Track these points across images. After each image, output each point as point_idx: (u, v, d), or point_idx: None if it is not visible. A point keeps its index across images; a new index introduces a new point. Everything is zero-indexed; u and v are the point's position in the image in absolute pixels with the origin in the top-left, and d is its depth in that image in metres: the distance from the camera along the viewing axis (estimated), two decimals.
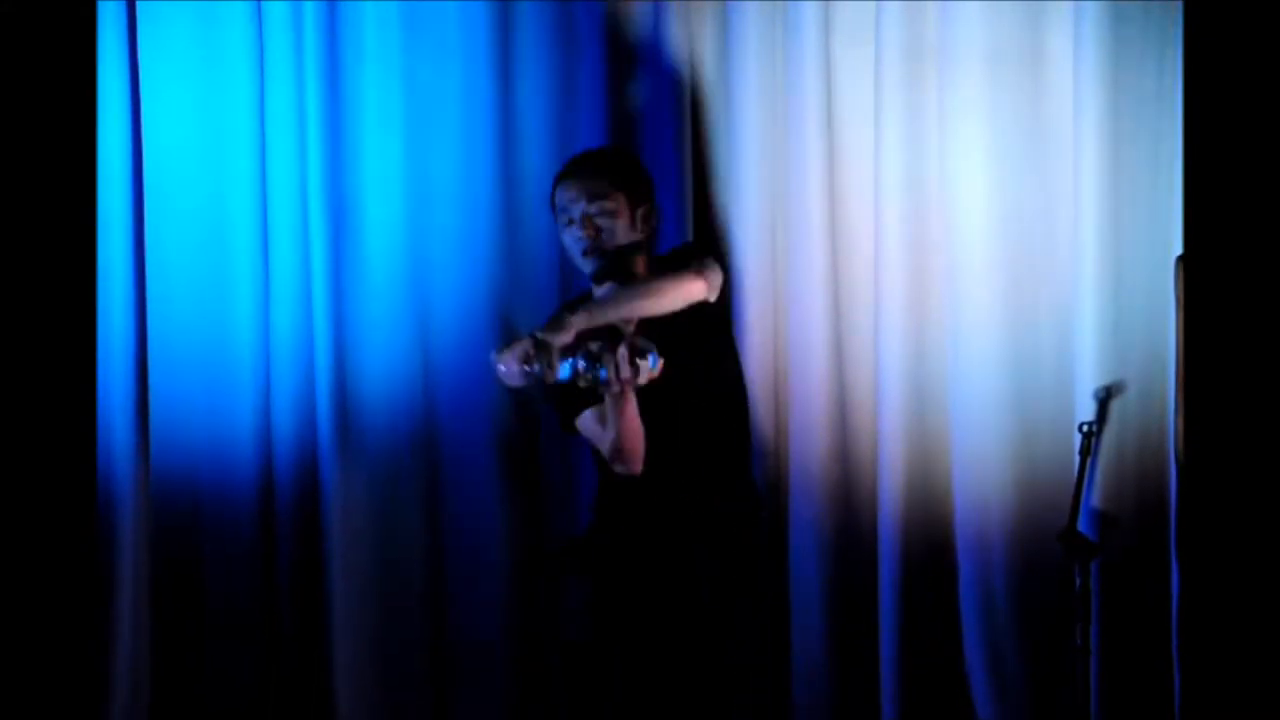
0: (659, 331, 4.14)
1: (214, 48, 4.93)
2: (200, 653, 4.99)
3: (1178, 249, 4.46)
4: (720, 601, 4.28)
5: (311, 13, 4.87)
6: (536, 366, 3.99)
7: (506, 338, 4.87)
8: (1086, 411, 4.52)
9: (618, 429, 4.17)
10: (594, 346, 4.03)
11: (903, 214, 4.69)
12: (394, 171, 4.93)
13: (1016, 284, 4.64)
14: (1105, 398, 4.52)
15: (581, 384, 4.03)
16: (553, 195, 4.35)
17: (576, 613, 4.36)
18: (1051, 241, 4.63)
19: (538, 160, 4.93)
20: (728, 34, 4.85)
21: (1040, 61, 4.65)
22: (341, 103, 4.92)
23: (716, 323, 4.36)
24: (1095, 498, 4.52)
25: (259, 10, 4.91)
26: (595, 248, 4.27)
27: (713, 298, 4.29)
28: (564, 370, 4.01)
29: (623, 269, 4.30)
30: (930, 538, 4.70)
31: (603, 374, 4.01)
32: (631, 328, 4.13)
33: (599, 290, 4.32)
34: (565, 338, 4.03)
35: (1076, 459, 4.46)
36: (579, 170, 4.33)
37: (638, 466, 4.22)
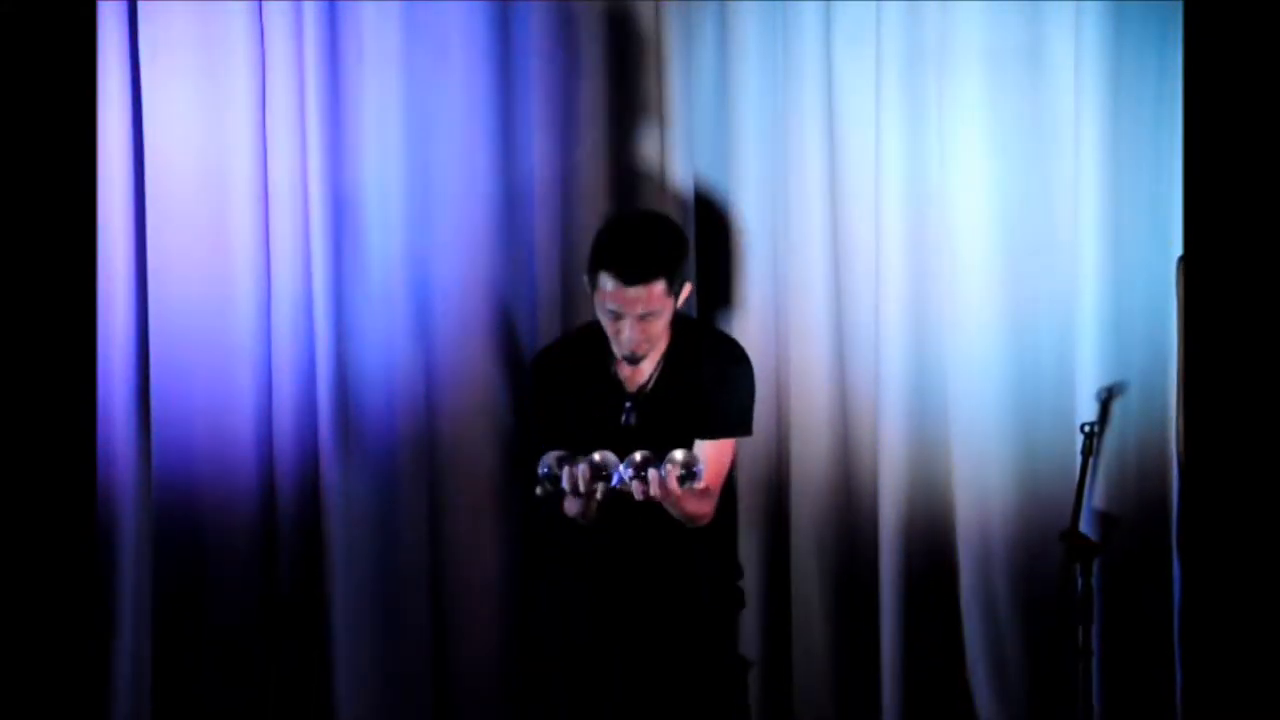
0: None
1: (214, 48, 4.93)
2: (200, 653, 4.99)
3: (1178, 249, 4.46)
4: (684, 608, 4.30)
5: (312, 13, 4.87)
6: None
7: (507, 337, 4.88)
8: (1088, 412, 4.52)
9: (585, 512, 4.21)
10: (639, 458, 4.08)
11: (903, 213, 4.69)
12: (394, 171, 4.92)
13: (1017, 283, 4.64)
14: (1106, 398, 4.52)
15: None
16: (596, 271, 4.22)
17: (573, 614, 4.36)
18: (1052, 241, 4.63)
19: (538, 160, 4.93)
20: (728, 34, 4.85)
21: (1041, 61, 4.65)
22: (342, 102, 4.92)
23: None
24: (1097, 498, 4.52)
25: (259, 10, 4.91)
26: (635, 355, 4.24)
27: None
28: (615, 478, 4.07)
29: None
30: (931, 538, 4.70)
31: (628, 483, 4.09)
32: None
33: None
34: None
35: (1078, 459, 4.46)
36: (634, 274, 4.14)
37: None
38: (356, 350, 4.93)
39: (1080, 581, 4.38)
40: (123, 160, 4.84)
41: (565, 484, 4.06)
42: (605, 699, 4.33)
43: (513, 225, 4.95)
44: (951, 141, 4.66)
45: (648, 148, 4.93)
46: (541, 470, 4.10)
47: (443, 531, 4.99)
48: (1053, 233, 4.63)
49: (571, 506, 4.21)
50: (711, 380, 4.23)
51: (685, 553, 4.27)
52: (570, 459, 4.07)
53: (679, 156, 4.87)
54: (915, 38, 4.68)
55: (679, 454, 4.06)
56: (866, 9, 4.73)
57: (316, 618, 4.91)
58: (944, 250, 4.69)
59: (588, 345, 4.30)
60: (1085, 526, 4.43)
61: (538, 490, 4.11)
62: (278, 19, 4.87)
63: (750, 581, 4.81)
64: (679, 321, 4.28)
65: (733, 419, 4.27)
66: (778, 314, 4.86)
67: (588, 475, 4.03)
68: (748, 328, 4.83)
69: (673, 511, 4.14)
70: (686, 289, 4.24)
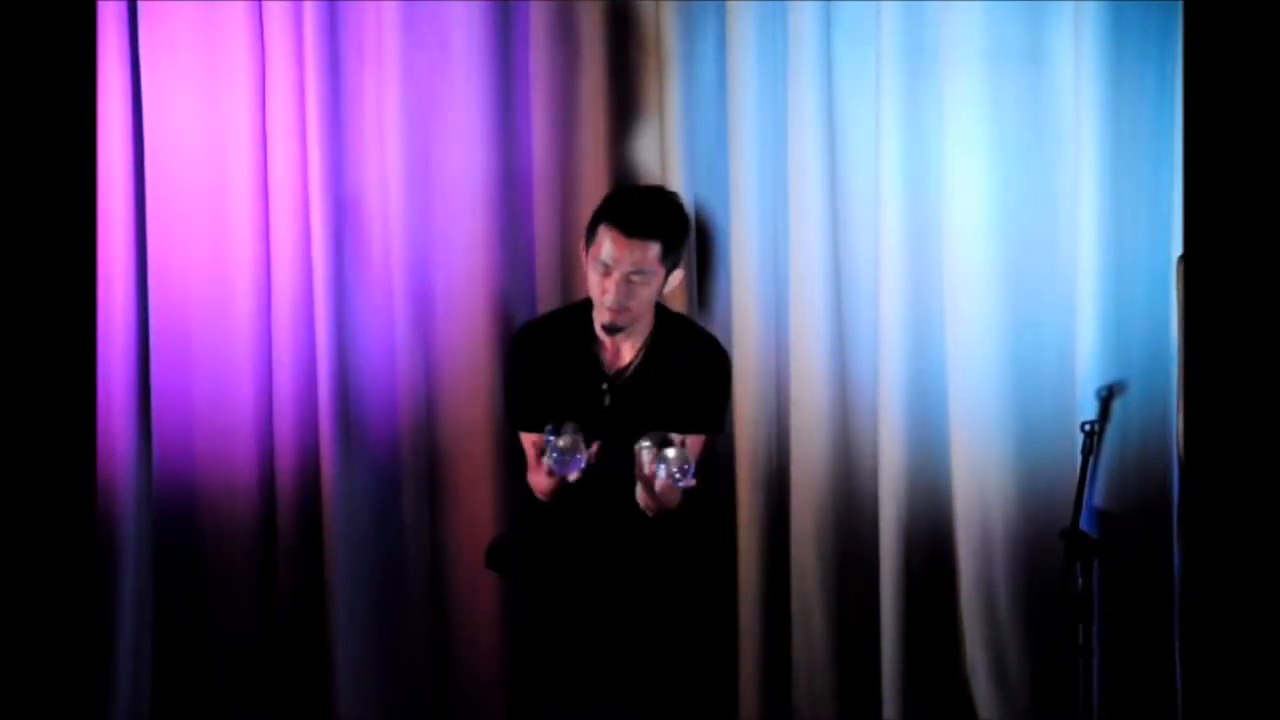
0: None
1: (214, 47, 4.94)
2: (200, 652, 4.99)
3: (1178, 248, 4.46)
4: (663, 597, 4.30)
5: (311, 12, 4.88)
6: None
7: (506, 337, 4.88)
8: (1088, 410, 4.51)
9: (552, 490, 4.21)
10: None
11: (904, 212, 4.68)
12: (394, 171, 4.92)
13: (1018, 282, 4.64)
14: (1107, 396, 4.51)
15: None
16: (596, 225, 4.26)
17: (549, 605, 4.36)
18: (1053, 240, 4.63)
19: (538, 159, 4.93)
20: (728, 33, 4.85)
21: (1041, 60, 4.65)
22: (342, 102, 4.92)
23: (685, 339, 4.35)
24: (1097, 496, 4.52)
25: (259, 10, 4.92)
26: (615, 324, 4.24)
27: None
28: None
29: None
30: (932, 536, 4.70)
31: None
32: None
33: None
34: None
35: (1078, 458, 4.45)
36: (634, 227, 4.21)
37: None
38: (356, 349, 4.94)
39: (1080, 580, 4.38)
40: (123, 160, 4.85)
41: (572, 461, 4.05)
42: (602, 696, 4.33)
43: (513, 224, 4.95)
44: (951, 141, 4.65)
45: (648, 147, 4.93)
46: (554, 440, 4.08)
47: (443, 529, 4.99)
48: (1053, 231, 4.63)
49: (542, 483, 4.22)
50: (690, 375, 4.24)
51: (656, 546, 4.28)
52: (573, 432, 4.07)
53: (679, 156, 4.87)
54: (915, 37, 4.68)
55: (672, 452, 4.06)
56: (867, 9, 4.73)
57: (316, 616, 4.91)
58: (944, 249, 4.68)
59: (571, 324, 4.31)
60: (1086, 525, 4.43)
61: (548, 461, 4.10)
62: (278, 18, 4.88)
63: (750, 579, 4.81)
64: (664, 314, 4.30)
65: (708, 416, 4.28)
66: (778, 313, 4.85)
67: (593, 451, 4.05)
68: (748, 326, 4.82)
69: (649, 500, 4.14)
70: (678, 276, 4.25)
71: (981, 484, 4.65)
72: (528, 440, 4.33)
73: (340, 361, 4.91)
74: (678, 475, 4.07)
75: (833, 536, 4.80)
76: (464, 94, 4.93)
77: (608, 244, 4.18)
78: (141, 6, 4.88)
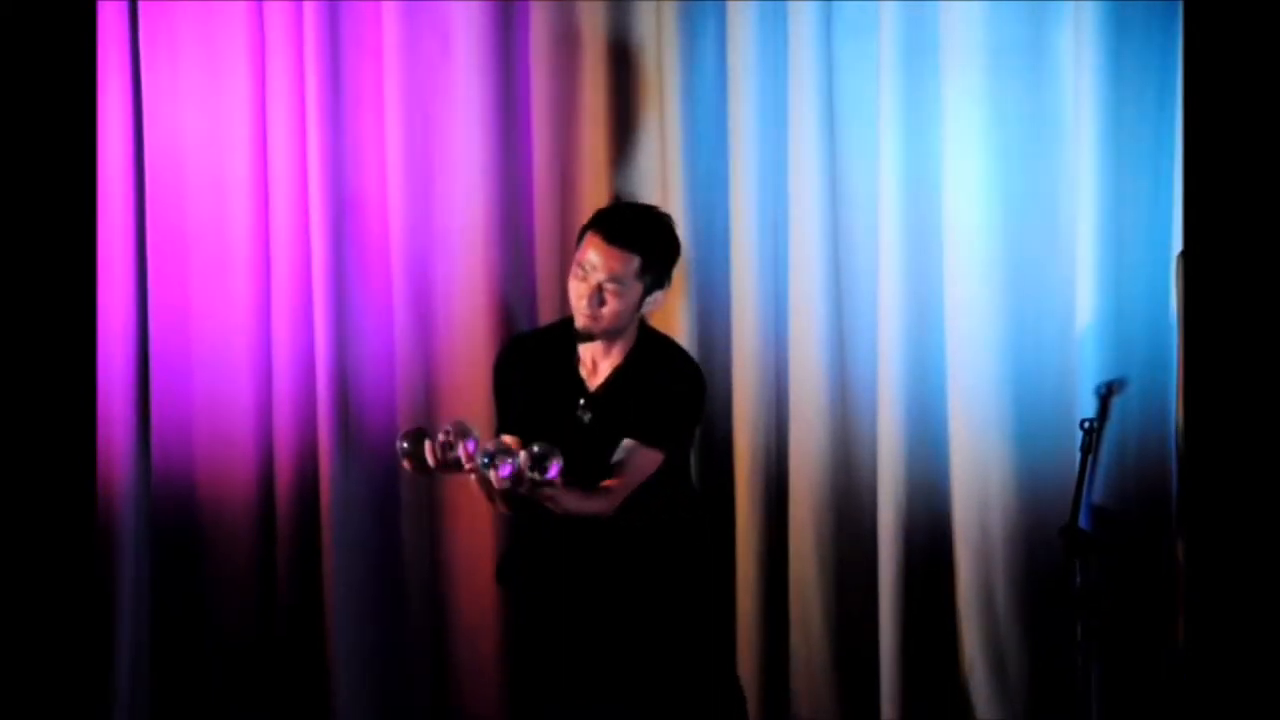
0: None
1: (214, 46, 4.94)
2: (200, 652, 5.00)
3: (1178, 245, 4.46)
4: (670, 606, 4.29)
5: (311, 12, 4.88)
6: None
7: (506, 336, 4.89)
8: (1088, 408, 4.52)
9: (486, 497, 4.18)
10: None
11: (904, 211, 4.69)
12: (394, 170, 4.93)
13: (1017, 280, 4.64)
14: (1106, 394, 4.52)
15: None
16: (584, 229, 4.27)
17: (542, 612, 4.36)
18: (1053, 237, 4.63)
19: (538, 159, 4.94)
20: (728, 33, 4.85)
21: (1041, 58, 4.65)
22: (342, 101, 4.93)
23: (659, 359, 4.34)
24: (1096, 494, 4.52)
25: (260, 9, 4.92)
26: (587, 329, 4.24)
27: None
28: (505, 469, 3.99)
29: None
30: (931, 534, 4.70)
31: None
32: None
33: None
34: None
35: (1078, 455, 4.46)
36: (615, 234, 4.22)
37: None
38: (356, 348, 4.94)
39: (1079, 577, 4.38)
40: (123, 159, 4.86)
41: (427, 456, 4.02)
42: (601, 698, 4.33)
43: (513, 224, 4.95)
44: (951, 140, 4.66)
45: (648, 148, 4.93)
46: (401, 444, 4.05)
47: (441, 528, 4.99)
48: (1053, 229, 4.64)
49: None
50: (657, 389, 4.24)
51: (654, 548, 4.28)
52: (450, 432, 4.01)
53: (679, 155, 4.87)
54: (915, 36, 4.68)
55: (536, 445, 4.00)
56: (867, 8, 4.73)
57: (315, 616, 4.91)
58: (944, 247, 4.69)
59: (557, 339, 4.31)
60: (1085, 522, 4.43)
61: (403, 460, 4.05)
62: (278, 18, 4.89)
63: (749, 577, 4.82)
64: (647, 332, 4.30)
65: (660, 430, 4.23)
66: (777, 311, 4.86)
67: (439, 446, 3.99)
68: (747, 325, 4.83)
69: (556, 506, 4.11)
70: (660, 297, 4.24)
71: (981, 481, 4.65)
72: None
73: (339, 361, 4.91)
74: (533, 464, 3.97)
75: (832, 535, 4.80)
76: (464, 93, 4.93)
77: (589, 250, 4.20)
78: (142, 6, 4.89)
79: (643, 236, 4.22)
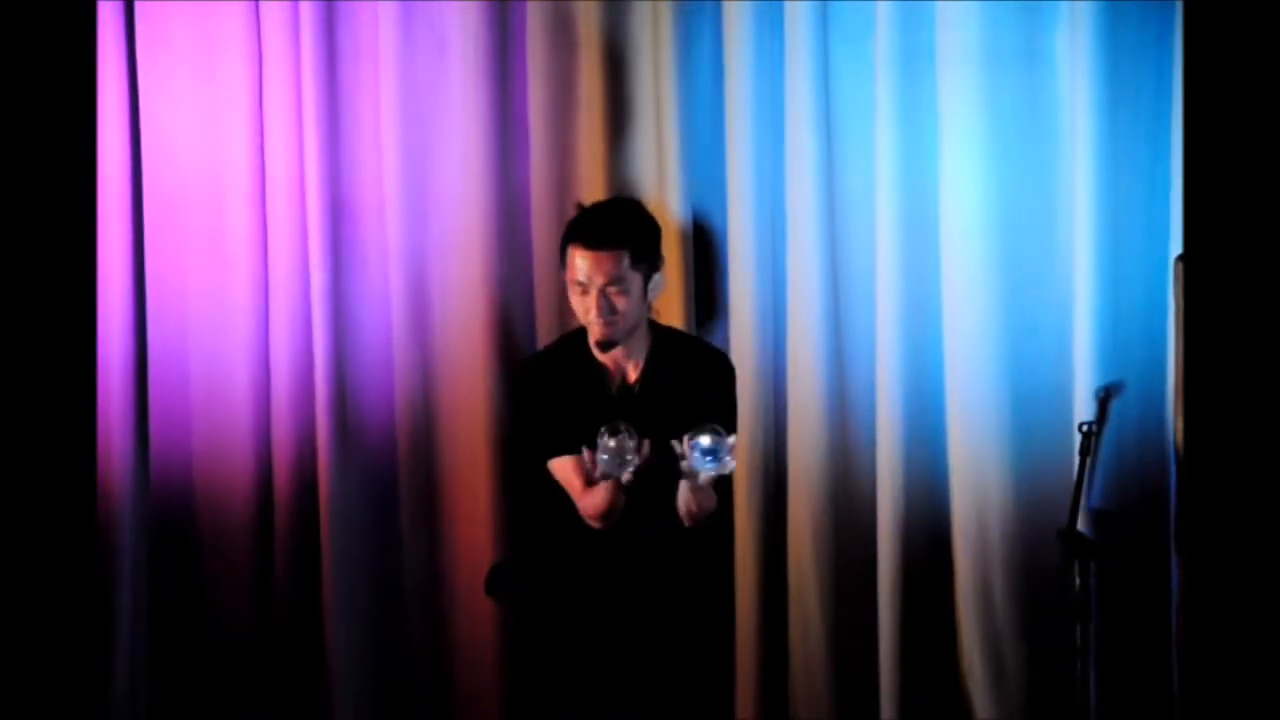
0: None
1: (211, 47, 4.94)
2: (198, 652, 4.99)
3: (1176, 248, 4.47)
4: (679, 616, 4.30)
5: (309, 12, 4.88)
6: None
7: (505, 337, 4.89)
8: (1086, 411, 4.52)
9: (610, 500, 4.19)
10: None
11: (901, 213, 4.68)
12: (392, 171, 4.93)
13: (1015, 283, 4.64)
14: (1105, 397, 4.52)
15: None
16: (565, 248, 4.28)
17: (567, 617, 4.36)
18: (1050, 240, 4.63)
19: (535, 160, 4.94)
20: (724, 35, 4.85)
21: (1038, 60, 4.65)
22: (339, 102, 4.93)
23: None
24: (1095, 497, 4.52)
25: (256, 10, 4.92)
26: (608, 337, 4.26)
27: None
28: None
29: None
30: (929, 536, 4.69)
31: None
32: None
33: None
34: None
35: (1076, 458, 4.46)
36: (598, 239, 4.24)
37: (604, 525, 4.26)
38: (355, 350, 4.94)
39: (1078, 581, 4.38)
40: (120, 162, 4.85)
41: (625, 461, 4.06)
42: (601, 699, 4.33)
43: (511, 225, 4.95)
44: (948, 141, 4.66)
45: (644, 148, 4.93)
46: (605, 441, 4.06)
47: (442, 532, 4.99)
48: (1050, 231, 4.63)
49: (595, 502, 4.20)
50: (697, 384, 4.25)
51: (681, 556, 4.28)
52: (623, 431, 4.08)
53: (675, 157, 4.87)
54: (911, 37, 4.68)
55: (705, 436, 4.06)
56: (863, 8, 4.73)
57: (314, 617, 4.91)
58: (941, 249, 4.69)
59: (571, 354, 4.32)
60: (1083, 526, 4.43)
61: (602, 465, 4.10)
62: (275, 18, 4.88)
63: (748, 578, 4.81)
64: (658, 329, 4.31)
65: (726, 421, 4.28)
66: (775, 313, 4.85)
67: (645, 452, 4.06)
68: (744, 328, 4.82)
69: (693, 506, 4.14)
70: (660, 281, 4.26)
71: (979, 484, 4.65)
72: (564, 467, 4.32)
73: (337, 362, 4.91)
74: (709, 456, 4.04)
75: (831, 535, 4.80)
76: (461, 95, 4.93)
77: (578, 261, 4.23)
78: (139, 6, 4.89)
79: (622, 230, 4.25)
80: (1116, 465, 4.54)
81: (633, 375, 4.27)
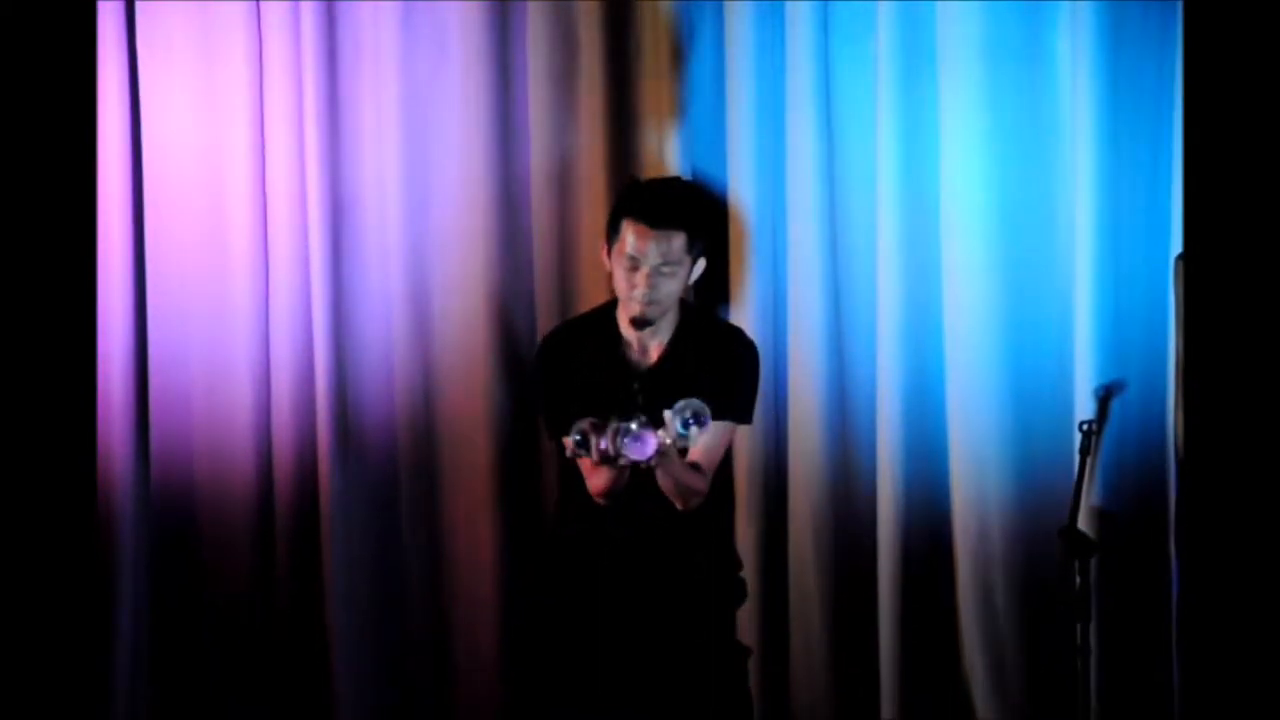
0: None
1: (212, 47, 4.94)
2: (199, 653, 4.99)
3: (1177, 247, 4.47)
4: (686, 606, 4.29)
5: (309, 12, 4.88)
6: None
7: (505, 336, 4.89)
8: (1086, 410, 4.52)
9: (615, 480, 4.16)
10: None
11: (902, 211, 4.69)
12: (392, 170, 4.93)
13: (1016, 281, 4.64)
14: (1105, 396, 4.52)
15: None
16: (618, 220, 4.21)
17: (572, 609, 4.35)
18: (1051, 239, 4.64)
19: (536, 159, 4.94)
20: (725, 33, 4.85)
21: (1039, 59, 4.65)
22: (339, 102, 4.93)
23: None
24: (1095, 496, 4.53)
25: (257, 10, 4.92)
26: (645, 316, 4.20)
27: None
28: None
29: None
30: (930, 535, 4.70)
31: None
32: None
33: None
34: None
35: (1076, 457, 4.46)
36: (659, 218, 4.12)
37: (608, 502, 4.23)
38: (355, 349, 4.94)
39: (1078, 579, 4.38)
40: (121, 160, 4.85)
41: (594, 451, 4.00)
42: (605, 692, 4.33)
43: (511, 224, 4.95)
44: (949, 140, 4.66)
45: (647, 147, 4.93)
46: (574, 436, 4.03)
47: (442, 530, 4.99)
48: (1051, 230, 4.64)
49: (598, 481, 4.18)
50: (718, 363, 4.22)
51: (686, 545, 4.27)
52: (601, 425, 4.00)
53: (678, 155, 4.87)
54: (912, 36, 4.69)
55: (683, 401, 4.00)
56: (864, 7, 4.74)
57: (315, 617, 4.91)
58: (942, 248, 4.69)
59: (597, 326, 4.28)
60: (1083, 524, 4.44)
61: (568, 454, 4.06)
62: (275, 18, 4.88)
63: (749, 576, 4.81)
64: (686, 308, 4.28)
65: (735, 404, 4.24)
66: (776, 311, 4.86)
67: (612, 438, 3.99)
68: (747, 324, 4.82)
69: (671, 482, 4.11)
70: (701, 265, 4.22)
71: (980, 483, 4.65)
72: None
73: (338, 361, 4.91)
74: (689, 420, 3.98)
75: (831, 536, 4.81)
76: (462, 93, 4.93)
77: (631, 237, 4.11)
78: (139, 6, 4.89)
79: (683, 211, 4.15)
80: (1116, 464, 4.54)
81: (654, 355, 4.24)
